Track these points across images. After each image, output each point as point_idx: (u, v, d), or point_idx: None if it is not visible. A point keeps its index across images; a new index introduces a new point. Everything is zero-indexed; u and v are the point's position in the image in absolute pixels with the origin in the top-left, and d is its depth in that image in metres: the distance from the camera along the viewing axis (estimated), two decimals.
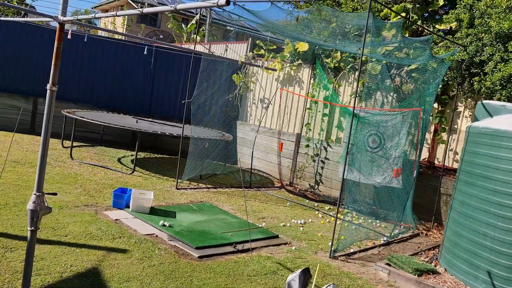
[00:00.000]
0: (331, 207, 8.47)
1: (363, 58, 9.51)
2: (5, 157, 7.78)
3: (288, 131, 10.61)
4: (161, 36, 29.43)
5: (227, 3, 1.78)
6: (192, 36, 17.23)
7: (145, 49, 10.18)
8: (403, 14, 8.96)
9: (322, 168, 9.87)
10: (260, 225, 6.52)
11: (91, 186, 7.02)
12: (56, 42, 3.20)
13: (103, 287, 3.86)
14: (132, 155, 10.33)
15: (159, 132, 8.46)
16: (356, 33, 7.75)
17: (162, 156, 11.01)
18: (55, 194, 3.52)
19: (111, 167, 8.62)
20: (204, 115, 9.08)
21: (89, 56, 11.28)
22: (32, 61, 10.91)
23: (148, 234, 5.37)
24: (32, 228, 3.28)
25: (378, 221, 7.83)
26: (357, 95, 9.02)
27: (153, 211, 6.26)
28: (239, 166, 11.08)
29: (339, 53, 9.74)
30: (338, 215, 7.92)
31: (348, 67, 9.63)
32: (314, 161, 9.97)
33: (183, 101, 7.83)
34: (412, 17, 8.81)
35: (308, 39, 8.37)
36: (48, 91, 3.23)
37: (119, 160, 9.60)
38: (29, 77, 10.94)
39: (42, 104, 10.96)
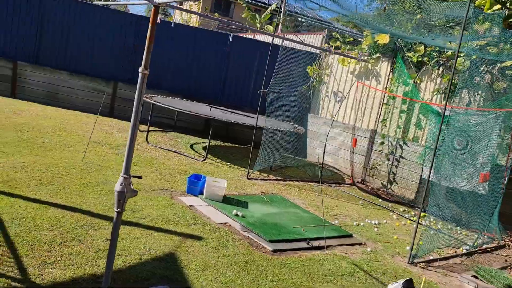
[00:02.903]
0: (406, 209, 8.05)
1: (449, 53, 8.94)
2: (87, 138, 8.12)
3: (362, 127, 10.22)
4: (233, 26, 29.69)
5: None
6: (265, 26, 17.12)
7: (230, 36, 10.19)
8: (498, 6, 8.24)
9: (396, 167, 9.41)
10: (332, 223, 6.30)
11: (166, 171, 7.14)
12: (150, 26, 3.17)
13: (180, 273, 3.86)
14: (203, 142, 10.45)
15: (233, 121, 8.45)
16: (449, 24, 7.21)
17: (232, 145, 11.05)
18: (140, 177, 3.54)
19: (185, 153, 8.75)
20: (277, 106, 8.93)
21: (166, 42, 11.53)
22: (113, 47, 11.34)
23: (221, 223, 5.34)
24: (119, 210, 3.31)
25: (458, 228, 7.32)
26: (445, 93, 8.47)
27: (226, 199, 6.24)
28: (309, 159, 10.87)
29: (422, 47, 9.18)
30: (416, 218, 7.50)
31: (433, 61, 9.05)
32: (388, 159, 9.53)
33: (259, 91, 7.72)
34: (510, 9, 8.07)
35: (393, 31, 7.92)
36: (140, 74, 3.22)
37: (191, 146, 9.74)
38: (110, 61, 11.38)
39: (122, 89, 11.38)
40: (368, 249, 5.50)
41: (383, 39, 9.62)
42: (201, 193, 6.27)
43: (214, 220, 5.38)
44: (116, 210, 3.34)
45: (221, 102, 11.65)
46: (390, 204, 8.18)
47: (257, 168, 8.05)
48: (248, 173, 7.87)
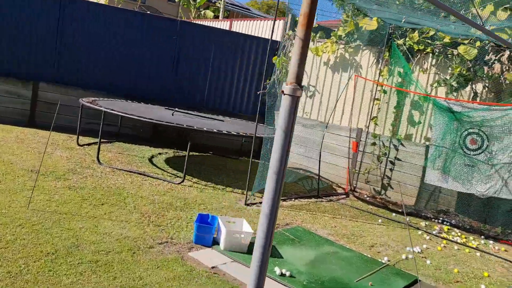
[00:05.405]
0: (426, 223, 6.93)
1: (447, 40, 7.96)
2: (16, 163, 5.80)
3: (342, 125, 8.95)
4: (148, 12, 26.98)
5: None
6: (203, 12, 15.17)
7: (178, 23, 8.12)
8: None
9: (391, 170, 8.32)
10: (383, 261, 4.91)
11: (147, 207, 5.18)
12: None
13: None
14: (160, 154, 8.47)
15: (215, 130, 6.65)
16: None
17: (191, 153, 9.16)
18: None
19: (152, 174, 6.75)
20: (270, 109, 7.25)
21: (103, 33, 9.20)
22: (32, 38, 8.74)
23: None
24: None
25: (491, 242, 6.39)
26: (451, 85, 7.48)
27: (249, 247, 4.53)
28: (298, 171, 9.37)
29: (416, 33, 8.12)
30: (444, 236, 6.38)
31: (427, 49, 8.03)
32: (380, 162, 8.41)
33: (258, 92, 6.04)
34: None
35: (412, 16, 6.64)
36: (286, 98, 1.46)
37: (151, 161, 7.72)
38: (29, 55, 8.77)
39: (44, 90, 8.86)
40: None
41: (371, 25, 8.41)
42: (215, 242, 4.49)
43: None
44: None
45: (173, 103, 9.61)
46: (407, 218, 7.02)
47: (257, 190, 6.37)
48: (246, 198, 6.15)
